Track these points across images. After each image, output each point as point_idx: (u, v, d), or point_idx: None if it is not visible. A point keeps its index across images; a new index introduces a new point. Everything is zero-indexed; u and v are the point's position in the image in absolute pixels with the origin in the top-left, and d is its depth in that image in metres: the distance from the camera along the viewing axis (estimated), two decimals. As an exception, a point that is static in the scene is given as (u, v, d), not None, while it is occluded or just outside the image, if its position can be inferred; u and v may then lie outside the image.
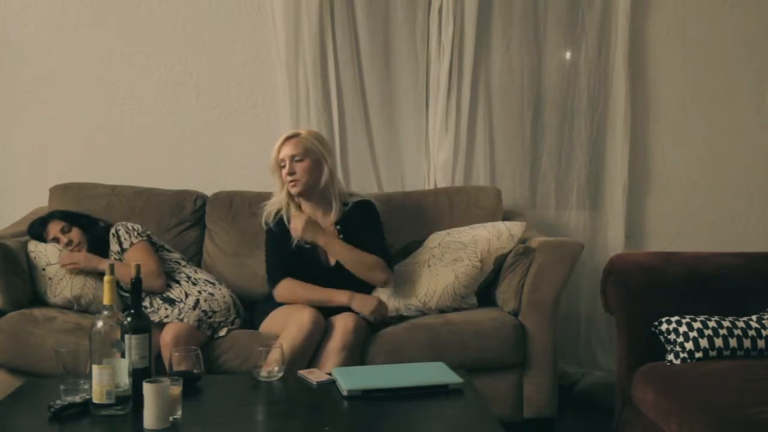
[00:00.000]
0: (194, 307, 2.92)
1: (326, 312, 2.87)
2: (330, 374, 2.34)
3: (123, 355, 2.03)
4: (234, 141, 3.73)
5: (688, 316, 2.62)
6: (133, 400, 2.01)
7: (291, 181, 3.00)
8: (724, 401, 2.22)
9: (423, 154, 3.74)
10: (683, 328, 2.59)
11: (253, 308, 3.12)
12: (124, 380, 2.01)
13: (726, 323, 2.60)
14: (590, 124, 3.75)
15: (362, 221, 3.07)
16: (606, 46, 3.72)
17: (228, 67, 3.71)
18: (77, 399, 2.04)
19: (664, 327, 2.64)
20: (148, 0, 3.67)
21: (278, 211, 3.09)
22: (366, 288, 3.02)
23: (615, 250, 3.53)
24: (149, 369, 2.10)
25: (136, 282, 2.12)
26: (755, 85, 3.82)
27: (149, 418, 1.91)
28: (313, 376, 2.36)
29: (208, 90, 3.72)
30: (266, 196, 3.31)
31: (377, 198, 3.26)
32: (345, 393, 2.19)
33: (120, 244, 3.05)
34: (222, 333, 2.93)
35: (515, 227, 3.17)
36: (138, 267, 2.13)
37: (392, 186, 3.72)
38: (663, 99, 3.81)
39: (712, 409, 2.21)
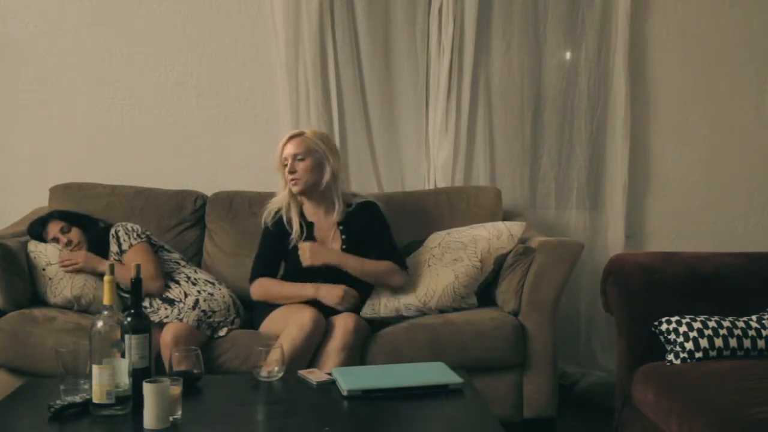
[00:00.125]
0: (194, 307, 2.92)
1: (326, 312, 2.87)
2: (330, 374, 2.34)
3: (123, 355, 2.03)
4: (234, 141, 3.73)
5: (688, 316, 2.62)
6: (133, 400, 2.01)
7: (291, 180, 3.01)
8: (724, 401, 2.22)
9: (423, 154, 3.75)
10: (683, 328, 2.59)
11: (253, 308, 3.12)
12: (124, 380, 2.01)
13: (726, 323, 2.60)
14: (590, 124, 3.75)
15: (367, 223, 3.07)
16: (606, 46, 3.72)
17: (228, 67, 3.71)
18: (77, 399, 2.04)
19: (664, 327, 2.64)
20: (148, 0, 3.67)
21: (278, 211, 3.09)
22: (363, 284, 3.02)
23: (615, 250, 3.53)
24: (149, 369, 2.10)
25: (136, 282, 2.12)
26: (755, 85, 3.82)
27: (149, 418, 1.91)
28: (313, 376, 2.36)
29: (208, 90, 3.72)
30: (266, 196, 3.32)
31: (377, 198, 3.26)
32: (345, 393, 2.18)
33: (119, 245, 3.05)
34: (222, 333, 2.93)
35: (515, 227, 3.17)
36: (138, 267, 2.13)
37: (392, 186, 3.72)
38: (663, 99, 3.81)
39: (712, 409, 2.21)
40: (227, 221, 3.43)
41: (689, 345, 2.56)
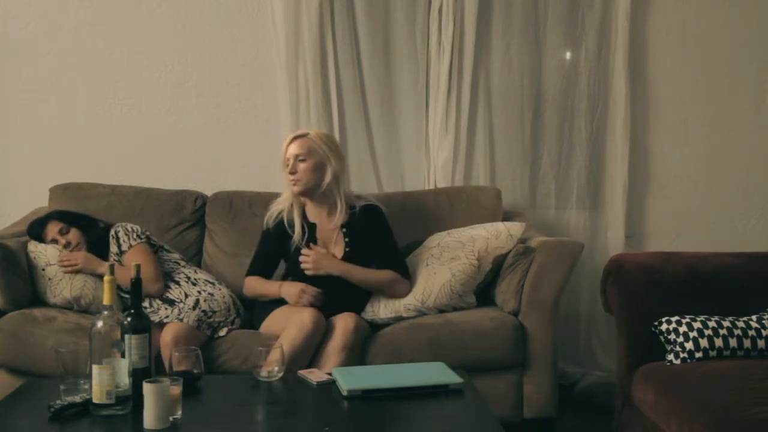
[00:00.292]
0: (194, 307, 2.92)
1: (326, 312, 2.87)
2: (330, 374, 2.34)
3: (123, 355, 2.03)
4: (234, 141, 3.73)
5: (688, 316, 2.62)
6: (133, 400, 2.01)
7: (292, 180, 3.01)
8: (724, 401, 2.22)
9: (423, 154, 3.75)
10: (683, 328, 2.59)
11: (253, 308, 3.12)
12: (124, 380, 2.01)
13: (726, 323, 2.59)
14: (590, 124, 3.75)
15: (370, 226, 3.07)
16: (606, 46, 3.72)
17: (228, 67, 3.71)
18: (77, 399, 2.04)
19: (664, 327, 2.64)
20: (148, 0, 3.67)
21: (280, 212, 3.10)
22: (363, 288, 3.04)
23: (615, 250, 3.53)
24: (149, 369, 2.10)
25: (136, 282, 2.12)
26: (755, 85, 3.82)
27: (149, 418, 1.91)
28: (313, 376, 2.36)
29: (208, 90, 3.72)
30: (266, 196, 3.33)
31: (377, 198, 3.26)
32: (345, 393, 2.18)
33: (119, 245, 3.04)
34: (222, 333, 2.93)
35: (515, 227, 3.17)
36: (138, 267, 2.13)
37: (392, 186, 3.72)
38: (663, 99, 3.81)
39: (712, 409, 2.21)
40: (227, 221, 3.43)
41: (689, 345, 2.56)
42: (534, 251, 3.04)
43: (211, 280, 3.10)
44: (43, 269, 3.03)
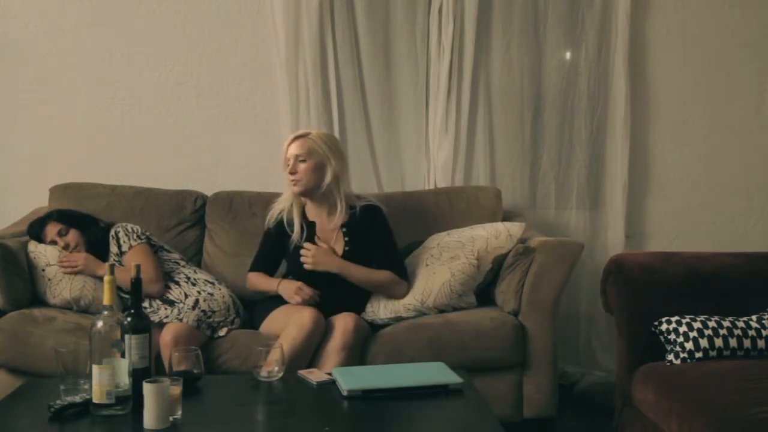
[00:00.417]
0: (193, 307, 2.92)
1: (326, 312, 2.87)
2: (330, 374, 2.34)
3: (123, 355, 2.03)
4: (234, 141, 3.73)
5: (688, 316, 2.62)
6: (133, 400, 2.01)
7: (292, 181, 3.02)
8: (724, 401, 2.22)
9: (423, 154, 3.75)
10: (683, 328, 2.59)
11: (253, 308, 3.12)
12: (124, 380, 2.01)
13: (726, 323, 2.59)
14: (590, 124, 3.75)
15: (370, 226, 3.07)
16: (606, 46, 3.72)
17: (228, 67, 3.71)
18: (77, 399, 2.04)
19: (664, 327, 2.64)
20: (148, 0, 3.67)
21: (280, 213, 3.10)
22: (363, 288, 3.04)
23: (615, 250, 3.53)
24: (149, 369, 2.10)
25: (136, 282, 2.12)
26: (755, 85, 3.82)
27: (149, 418, 1.91)
28: (313, 376, 2.36)
29: (208, 90, 3.72)
30: (266, 196, 3.33)
31: (377, 198, 3.26)
32: (345, 393, 2.19)
33: (119, 246, 3.04)
34: (222, 333, 2.93)
35: (514, 227, 3.17)
36: (138, 267, 2.13)
37: (392, 186, 3.72)
38: (663, 99, 3.81)
39: (712, 409, 2.21)
40: (227, 221, 3.43)
41: (689, 345, 2.56)
42: (534, 251, 3.04)
43: (210, 280, 3.10)
44: (43, 270, 3.03)
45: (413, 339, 2.90)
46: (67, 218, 3.14)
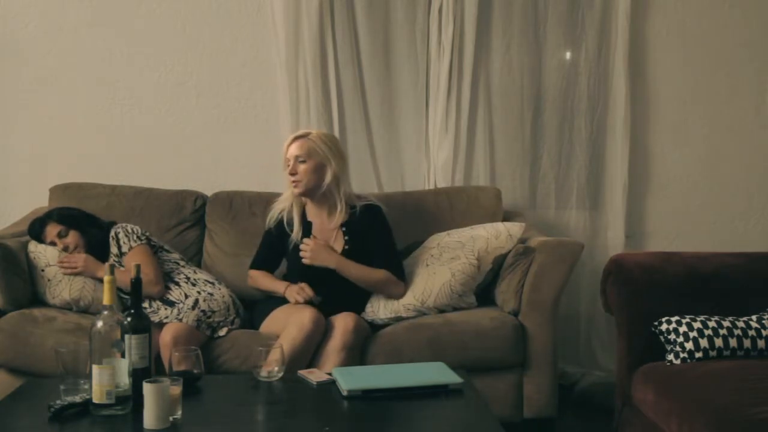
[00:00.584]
0: (193, 307, 2.92)
1: (326, 312, 2.87)
2: (330, 374, 2.34)
3: (123, 355, 2.03)
4: (234, 141, 3.73)
5: (688, 316, 2.62)
6: (133, 400, 2.01)
7: (292, 182, 3.02)
8: (724, 401, 2.22)
9: (423, 154, 3.75)
10: (683, 328, 2.59)
11: (253, 308, 3.13)
12: (124, 380, 2.01)
13: (726, 323, 2.59)
14: (590, 124, 3.75)
15: (370, 225, 3.07)
16: (606, 46, 3.72)
17: (228, 67, 3.71)
18: (77, 399, 2.04)
19: (664, 327, 2.64)
20: (148, 0, 3.67)
21: (280, 212, 3.11)
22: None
23: (615, 250, 3.53)
24: (149, 369, 2.10)
25: (136, 282, 2.12)
26: (755, 85, 3.82)
27: (149, 418, 1.91)
28: (313, 376, 2.36)
29: (208, 90, 3.72)
30: (266, 196, 3.34)
31: (377, 198, 3.26)
32: (345, 393, 2.19)
33: (119, 247, 3.04)
34: (222, 333, 2.93)
35: (514, 228, 3.17)
36: (138, 267, 2.13)
37: (392, 186, 3.72)
38: (663, 99, 3.81)
39: (712, 409, 2.21)
40: (227, 221, 3.43)
41: (689, 345, 2.56)
42: (534, 251, 3.04)
43: (210, 280, 3.10)
44: (43, 270, 3.03)
45: (413, 339, 2.90)
46: (67, 219, 3.12)
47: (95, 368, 1.98)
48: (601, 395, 3.37)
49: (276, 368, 2.29)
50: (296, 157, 3.01)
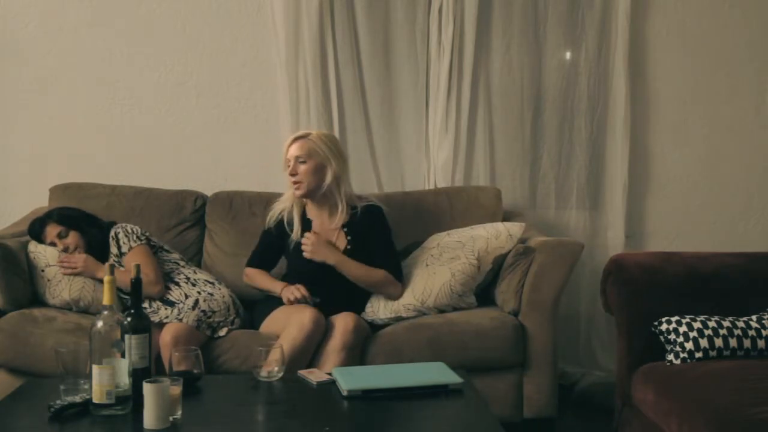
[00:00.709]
0: (193, 307, 2.92)
1: (326, 312, 2.87)
2: (330, 374, 2.34)
3: (123, 355, 2.03)
4: (234, 141, 3.73)
5: (688, 316, 2.62)
6: (133, 400, 2.01)
7: (293, 182, 3.02)
8: (724, 401, 2.22)
9: (423, 154, 3.74)
10: (683, 328, 2.59)
11: (253, 308, 3.13)
12: (124, 380, 2.01)
13: (726, 323, 2.59)
14: (590, 124, 3.75)
15: (371, 226, 3.07)
16: (606, 46, 3.72)
17: (228, 67, 3.71)
18: (77, 399, 2.04)
19: (664, 327, 2.64)
20: (148, 0, 3.67)
21: (280, 212, 3.11)
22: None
23: (615, 250, 3.53)
24: (149, 369, 2.10)
25: (136, 282, 2.12)
26: (755, 85, 3.82)
27: (149, 418, 1.91)
28: (313, 376, 2.36)
29: (208, 90, 3.72)
30: (266, 196, 3.34)
31: (377, 198, 3.26)
32: (345, 393, 2.19)
33: (119, 247, 3.04)
34: (222, 333, 2.93)
35: (514, 228, 3.17)
36: (138, 267, 2.13)
37: (392, 186, 3.72)
38: (663, 99, 3.81)
39: (712, 409, 2.21)
40: (227, 221, 3.43)
41: (689, 345, 2.55)
42: (534, 251, 3.04)
43: (210, 280, 3.10)
44: (43, 270, 3.02)
45: (413, 339, 2.90)
46: (67, 219, 3.12)
47: (95, 368, 1.98)
48: (601, 395, 3.37)
49: (276, 368, 2.30)
50: (297, 158, 3.01)
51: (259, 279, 3.12)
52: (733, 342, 2.56)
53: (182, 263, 3.16)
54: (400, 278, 3.06)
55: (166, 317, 2.91)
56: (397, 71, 3.72)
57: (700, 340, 2.55)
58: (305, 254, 2.96)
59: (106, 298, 2.04)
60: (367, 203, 3.12)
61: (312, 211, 3.11)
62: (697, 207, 3.85)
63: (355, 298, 3.03)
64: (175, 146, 3.72)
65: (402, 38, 3.69)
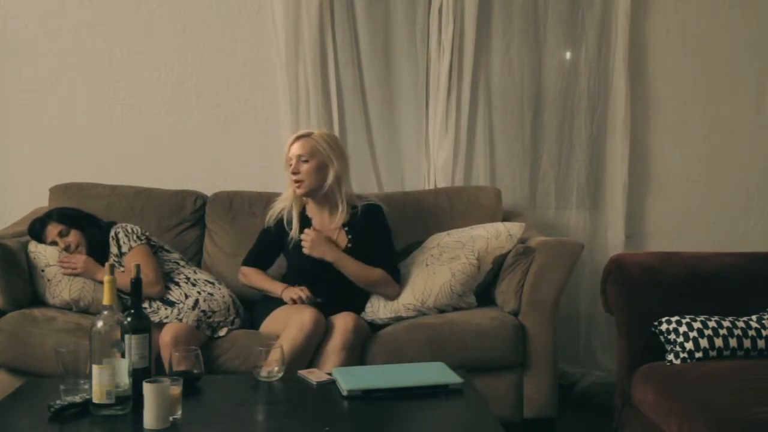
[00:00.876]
0: (193, 307, 2.92)
1: (326, 312, 2.87)
2: (330, 374, 2.34)
3: (123, 355, 2.03)
4: (234, 141, 3.73)
5: (688, 316, 2.62)
6: (133, 400, 2.01)
7: (295, 182, 3.02)
8: (724, 401, 2.22)
9: (423, 154, 3.74)
10: (683, 328, 2.59)
11: (253, 308, 3.13)
12: (124, 380, 2.01)
13: (726, 323, 2.59)
14: (590, 124, 3.75)
15: (371, 226, 3.07)
16: (606, 46, 3.72)
17: (228, 67, 3.71)
18: (77, 399, 2.04)
19: (664, 327, 2.64)
20: (148, 0, 3.67)
21: (280, 212, 3.11)
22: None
23: (615, 250, 3.53)
24: (149, 369, 2.10)
25: (136, 282, 2.12)
26: (755, 85, 3.82)
27: (149, 418, 1.91)
28: (313, 376, 2.36)
29: (208, 90, 3.72)
30: (266, 196, 3.33)
31: (377, 198, 3.26)
32: (345, 393, 2.19)
33: (119, 247, 3.04)
34: (222, 333, 2.93)
35: (514, 228, 3.18)
36: (138, 267, 2.13)
37: (392, 186, 3.72)
38: (663, 99, 3.81)
39: (712, 409, 2.21)
40: (227, 221, 3.43)
41: (689, 345, 2.56)
42: (534, 251, 3.04)
43: (210, 280, 3.10)
44: (43, 270, 3.02)
45: (413, 339, 2.90)
46: (67, 219, 3.13)
47: (95, 368, 1.98)
48: (601, 395, 3.37)
49: (276, 368, 2.30)
50: (299, 157, 3.01)
51: (256, 278, 3.12)
52: (733, 342, 2.56)
53: (182, 263, 3.16)
54: (398, 279, 3.06)
55: (166, 317, 2.91)
56: (397, 71, 3.72)
57: (700, 340, 2.55)
58: (304, 250, 2.96)
59: (106, 298, 2.04)
60: (367, 202, 3.12)
61: (312, 210, 3.11)
62: (697, 207, 3.85)
63: (355, 297, 3.03)
64: (175, 146, 3.72)
65: (402, 38, 3.69)
